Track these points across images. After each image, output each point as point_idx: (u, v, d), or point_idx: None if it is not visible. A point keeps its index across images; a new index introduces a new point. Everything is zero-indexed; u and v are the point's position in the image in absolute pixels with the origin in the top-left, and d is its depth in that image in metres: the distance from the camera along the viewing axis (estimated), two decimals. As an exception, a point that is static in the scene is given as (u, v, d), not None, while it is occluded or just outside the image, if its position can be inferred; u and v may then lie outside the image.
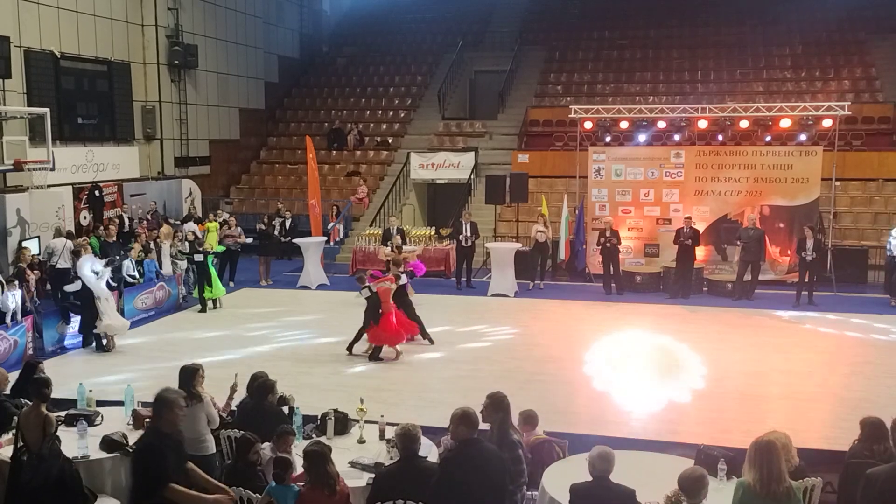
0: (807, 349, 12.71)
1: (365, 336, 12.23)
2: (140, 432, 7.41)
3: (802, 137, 17.91)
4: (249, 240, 18.46)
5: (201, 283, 15.38)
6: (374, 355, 12.08)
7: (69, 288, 13.06)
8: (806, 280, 15.65)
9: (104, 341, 12.66)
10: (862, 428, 6.58)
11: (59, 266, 15.23)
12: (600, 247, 16.81)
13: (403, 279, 12.91)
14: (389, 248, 16.09)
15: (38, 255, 15.51)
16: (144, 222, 19.05)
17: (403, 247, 16.63)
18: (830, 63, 25.01)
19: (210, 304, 15.41)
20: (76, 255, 14.52)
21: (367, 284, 12.23)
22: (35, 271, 14.21)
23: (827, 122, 17.45)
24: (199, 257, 15.31)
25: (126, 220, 19.00)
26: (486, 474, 5.51)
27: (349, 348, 12.31)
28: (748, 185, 17.36)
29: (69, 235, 16.08)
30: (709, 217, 17.53)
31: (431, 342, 12.85)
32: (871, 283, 17.32)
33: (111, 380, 10.61)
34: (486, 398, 6.38)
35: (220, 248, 17.07)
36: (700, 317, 14.86)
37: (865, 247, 18.14)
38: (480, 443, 5.68)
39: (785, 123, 17.60)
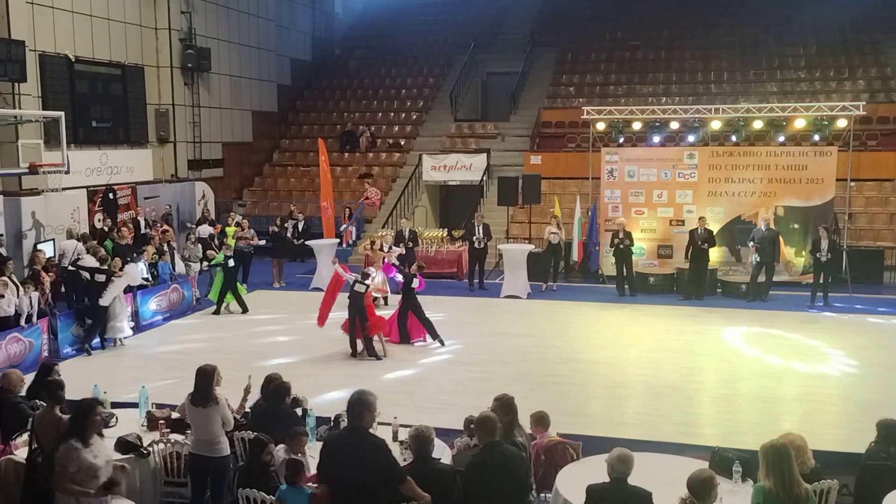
0: (821, 351, 12.61)
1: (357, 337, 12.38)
2: (154, 434, 7.47)
3: (816, 138, 17.80)
4: (262, 242, 18.50)
5: (231, 285, 15.23)
6: (371, 351, 12.21)
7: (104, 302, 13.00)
8: (821, 281, 15.56)
9: (111, 343, 12.75)
10: (878, 430, 6.54)
11: (70, 268, 15.31)
12: (613, 248, 16.76)
13: (415, 283, 12.95)
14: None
15: (53, 257, 15.60)
16: (158, 225, 19.13)
17: (393, 248, 16.73)
18: (845, 63, 24.86)
19: (225, 306, 15.41)
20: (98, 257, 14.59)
21: (367, 283, 12.33)
22: (50, 273, 14.29)
23: (842, 123, 17.33)
24: (231, 262, 15.28)
25: (142, 223, 19.07)
26: (511, 475, 5.59)
27: (353, 354, 12.40)
28: (762, 186, 17.26)
29: (84, 238, 16.17)
30: (722, 218, 17.44)
31: (442, 344, 12.85)
32: (886, 283, 17.23)
33: (125, 381, 10.65)
34: (493, 401, 6.38)
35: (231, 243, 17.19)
36: (714, 318, 14.78)
37: (881, 247, 18.02)
38: (502, 444, 5.72)
39: (799, 124, 17.48)
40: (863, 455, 6.58)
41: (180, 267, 16.26)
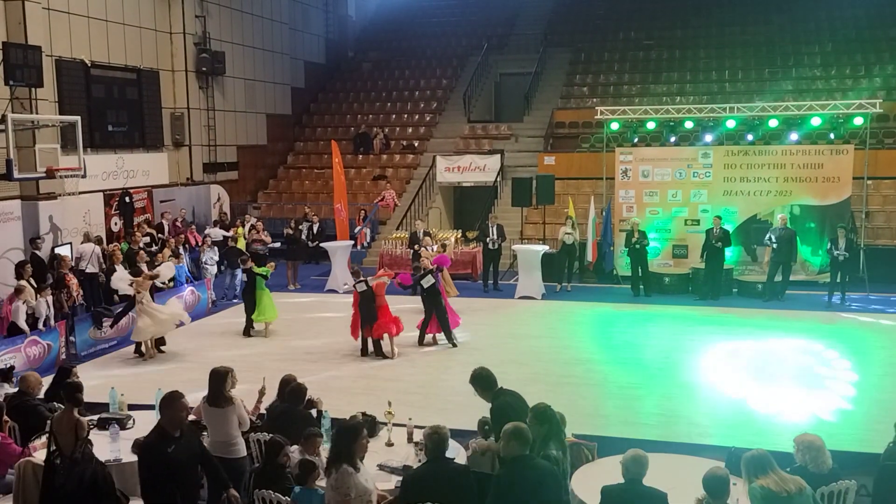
0: (839, 351, 12.51)
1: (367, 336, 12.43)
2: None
3: (833, 136, 17.67)
4: (277, 244, 18.58)
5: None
6: (377, 351, 12.30)
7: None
8: (838, 280, 15.45)
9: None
10: (897, 430, 6.49)
11: (87, 270, 15.45)
12: (629, 248, 16.70)
13: (430, 279, 12.94)
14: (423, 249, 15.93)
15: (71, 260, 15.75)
16: (179, 226, 19.32)
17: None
18: (861, 60, 24.65)
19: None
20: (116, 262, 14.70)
21: (363, 279, 12.33)
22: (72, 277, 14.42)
23: (858, 121, 17.19)
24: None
25: (166, 228, 19.21)
26: (542, 494, 5.34)
27: (363, 353, 12.46)
28: (778, 185, 17.15)
29: (99, 240, 16.28)
30: (738, 217, 17.34)
31: (454, 345, 12.87)
32: (905, 282, 17.06)
33: (142, 383, 10.71)
34: (529, 410, 6.20)
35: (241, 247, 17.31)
36: (730, 318, 14.70)
37: (899, 246, 17.86)
38: (533, 460, 5.47)
39: (815, 122, 17.36)
40: (881, 455, 6.53)
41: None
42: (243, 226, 19.28)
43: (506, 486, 5.32)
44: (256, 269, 13.88)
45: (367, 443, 5.86)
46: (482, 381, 6.82)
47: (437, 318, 12.88)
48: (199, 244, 18.20)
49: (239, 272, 16.48)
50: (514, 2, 30.65)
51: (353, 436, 5.65)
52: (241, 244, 17.71)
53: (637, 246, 16.50)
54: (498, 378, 11.08)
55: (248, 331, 14.00)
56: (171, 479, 5.64)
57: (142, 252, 15.10)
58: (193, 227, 19.99)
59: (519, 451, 5.40)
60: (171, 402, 5.90)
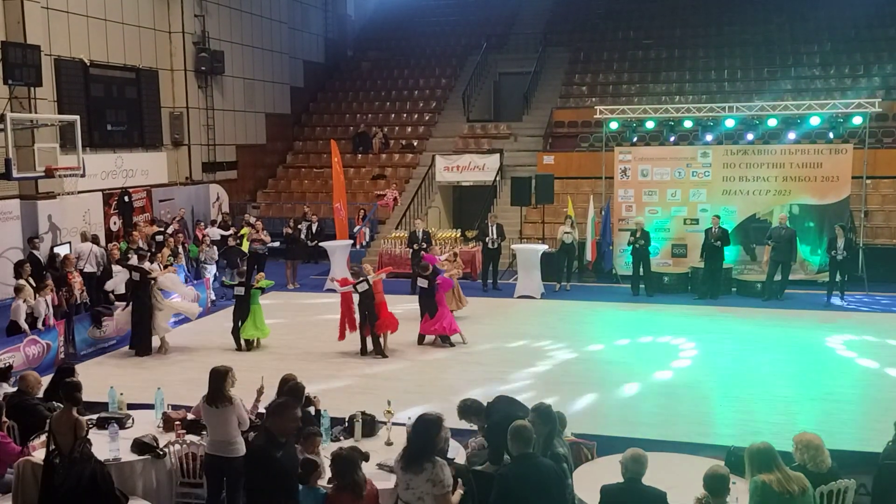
0: (838, 349, 12.52)
1: (366, 335, 12.43)
2: (170, 435, 7.50)
3: (832, 135, 17.68)
4: (276, 244, 18.57)
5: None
6: (377, 349, 12.33)
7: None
8: (837, 280, 15.45)
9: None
10: (896, 429, 6.50)
11: (86, 270, 15.44)
12: (630, 247, 16.71)
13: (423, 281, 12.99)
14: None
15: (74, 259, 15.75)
16: (176, 225, 19.32)
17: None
18: (860, 60, 24.68)
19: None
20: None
21: (365, 277, 12.32)
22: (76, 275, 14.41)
23: (857, 120, 17.20)
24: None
25: (171, 227, 19.22)
26: (545, 491, 5.34)
27: (362, 352, 12.45)
28: (777, 184, 17.16)
29: (95, 239, 16.27)
30: (737, 217, 17.35)
31: (452, 345, 12.90)
32: (903, 282, 17.07)
33: (141, 383, 10.70)
34: (531, 411, 6.17)
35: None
36: (729, 317, 14.71)
37: (898, 245, 17.86)
38: (536, 457, 5.47)
39: (814, 121, 17.37)
40: (881, 454, 6.54)
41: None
42: (246, 226, 19.25)
43: (510, 484, 5.32)
44: (258, 284, 13.19)
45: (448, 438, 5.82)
46: (470, 410, 6.70)
47: (431, 316, 12.90)
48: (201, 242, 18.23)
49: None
50: (514, 1, 30.67)
51: (437, 428, 5.56)
52: (246, 246, 17.71)
53: (636, 245, 16.50)
54: (497, 378, 11.17)
55: (239, 346, 13.03)
56: (276, 485, 5.60)
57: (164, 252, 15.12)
58: (202, 224, 19.97)
59: (522, 449, 5.41)
60: (285, 410, 5.88)
